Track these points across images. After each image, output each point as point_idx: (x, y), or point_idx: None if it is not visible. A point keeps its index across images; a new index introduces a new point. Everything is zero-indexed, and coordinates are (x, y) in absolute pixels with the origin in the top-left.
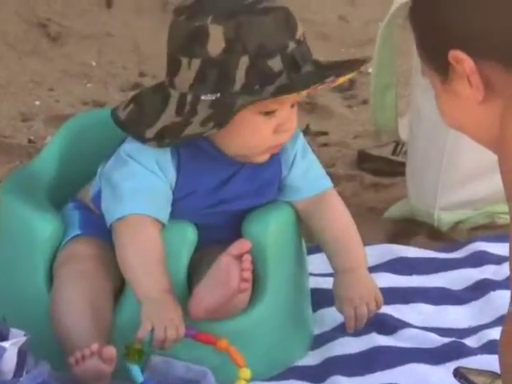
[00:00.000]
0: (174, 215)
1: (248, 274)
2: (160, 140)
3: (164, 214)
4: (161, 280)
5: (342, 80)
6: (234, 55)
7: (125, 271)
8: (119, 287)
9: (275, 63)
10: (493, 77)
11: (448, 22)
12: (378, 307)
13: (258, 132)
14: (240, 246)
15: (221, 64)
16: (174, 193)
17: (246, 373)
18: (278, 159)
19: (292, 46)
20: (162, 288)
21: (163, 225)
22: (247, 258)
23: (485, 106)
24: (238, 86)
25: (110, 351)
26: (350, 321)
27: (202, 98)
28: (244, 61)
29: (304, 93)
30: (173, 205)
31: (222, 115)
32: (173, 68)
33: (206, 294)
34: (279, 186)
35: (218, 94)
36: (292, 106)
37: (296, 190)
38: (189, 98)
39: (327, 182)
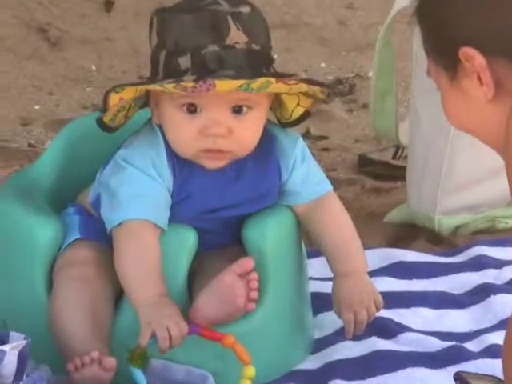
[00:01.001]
0: (171, 219)
1: (255, 295)
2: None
3: (163, 218)
4: (156, 286)
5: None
6: (158, 49)
7: (121, 278)
8: (119, 292)
9: (184, 61)
10: (503, 75)
11: (458, 19)
12: (378, 311)
13: (179, 129)
14: (244, 264)
15: (154, 55)
16: (172, 196)
17: (250, 370)
18: (278, 164)
19: (212, 48)
20: (156, 293)
21: (162, 229)
22: (254, 277)
23: (494, 104)
24: (159, 79)
25: (111, 362)
26: (349, 325)
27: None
28: (163, 55)
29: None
30: (170, 209)
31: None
32: None
33: (208, 306)
34: (279, 191)
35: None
36: (236, 111)
37: (295, 194)
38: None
39: (327, 186)
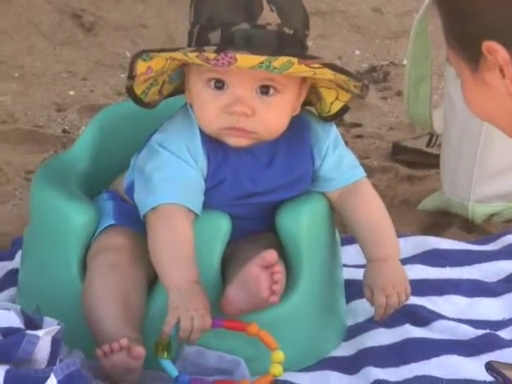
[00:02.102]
0: (205, 205)
1: (279, 288)
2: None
3: (196, 203)
4: (188, 271)
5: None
6: (193, 24)
7: (154, 262)
8: (152, 278)
9: (214, 36)
10: None
11: (481, 11)
12: (407, 298)
13: (204, 105)
14: (267, 257)
15: (190, 32)
16: (205, 181)
17: (279, 355)
18: (311, 151)
19: (243, 26)
20: (189, 279)
21: (196, 214)
22: (278, 269)
23: None
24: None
25: (139, 350)
26: (380, 308)
27: None
28: (196, 30)
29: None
30: (204, 195)
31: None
32: None
33: (238, 298)
34: (312, 178)
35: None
36: (262, 92)
37: (329, 180)
38: None
39: (360, 172)
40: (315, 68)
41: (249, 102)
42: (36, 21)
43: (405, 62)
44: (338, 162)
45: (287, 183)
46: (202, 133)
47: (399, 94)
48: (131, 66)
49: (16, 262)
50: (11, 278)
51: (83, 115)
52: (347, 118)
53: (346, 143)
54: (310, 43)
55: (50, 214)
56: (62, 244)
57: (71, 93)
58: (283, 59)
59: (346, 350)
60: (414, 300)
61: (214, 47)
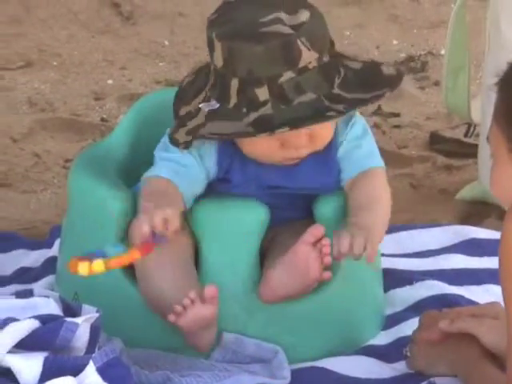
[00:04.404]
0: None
1: (329, 260)
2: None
3: (185, 187)
4: (159, 197)
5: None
6: (228, 74)
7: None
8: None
9: (261, 92)
10: None
11: None
12: (360, 254)
13: (260, 147)
14: (315, 231)
15: (222, 77)
16: (231, 176)
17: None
18: (336, 147)
19: (288, 75)
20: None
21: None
22: (326, 242)
23: None
24: (231, 104)
25: (211, 290)
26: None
27: (209, 102)
28: (235, 83)
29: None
30: (235, 186)
31: (195, 133)
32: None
33: (281, 282)
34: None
35: (218, 105)
36: None
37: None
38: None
39: (372, 162)
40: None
41: (303, 133)
42: (75, 10)
43: (442, 51)
44: (351, 152)
45: (318, 181)
46: None
47: (437, 83)
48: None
49: (54, 250)
50: (50, 265)
51: (121, 104)
52: (385, 107)
53: (384, 133)
54: (347, 32)
55: (89, 202)
56: (100, 231)
57: (109, 81)
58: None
59: (384, 338)
60: (452, 289)
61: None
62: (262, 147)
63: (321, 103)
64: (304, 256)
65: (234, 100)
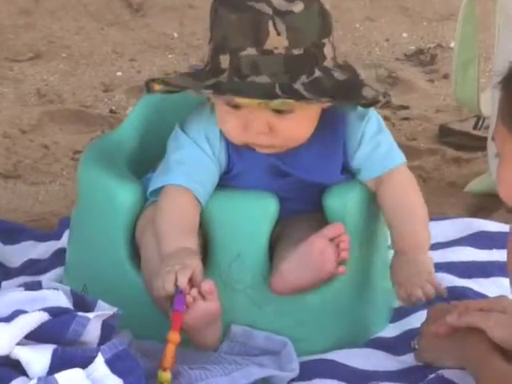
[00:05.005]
0: (251, 187)
1: (347, 255)
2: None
3: (202, 191)
4: (184, 241)
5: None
6: (209, 40)
7: (156, 235)
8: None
9: (224, 60)
10: None
11: None
12: (435, 289)
13: (223, 121)
14: (335, 229)
15: (208, 41)
16: (233, 166)
17: (166, 376)
18: (344, 142)
19: (250, 51)
20: (182, 246)
21: (199, 201)
22: (345, 238)
23: None
24: (207, 67)
25: (207, 284)
26: (403, 302)
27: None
28: (210, 47)
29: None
30: (242, 176)
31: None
32: None
33: (293, 273)
34: (347, 167)
35: (201, 68)
36: (278, 111)
37: (363, 170)
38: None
39: (394, 160)
40: (318, 103)
41: (264, 119)
42: (84, 1)
43: (452, 44)
44: (371, 151)
45: (317, 170)
46: None
47: (446, 76)
48: (146, 87)
49: (63, 242)
50: (58, 257)
51: (130, 96)
52: (394, 100)
53: (393, 125)
54: (357, 25)
55: (98, 194)
56: (109, 223)
57: (118, 73)
58: (279, 101)
59: (392, 330)
60: (461, 282)
61: (211, 90)
62: (227, 126)
63: (272, 89)
64: (320, 248)
65: (208, 67)
